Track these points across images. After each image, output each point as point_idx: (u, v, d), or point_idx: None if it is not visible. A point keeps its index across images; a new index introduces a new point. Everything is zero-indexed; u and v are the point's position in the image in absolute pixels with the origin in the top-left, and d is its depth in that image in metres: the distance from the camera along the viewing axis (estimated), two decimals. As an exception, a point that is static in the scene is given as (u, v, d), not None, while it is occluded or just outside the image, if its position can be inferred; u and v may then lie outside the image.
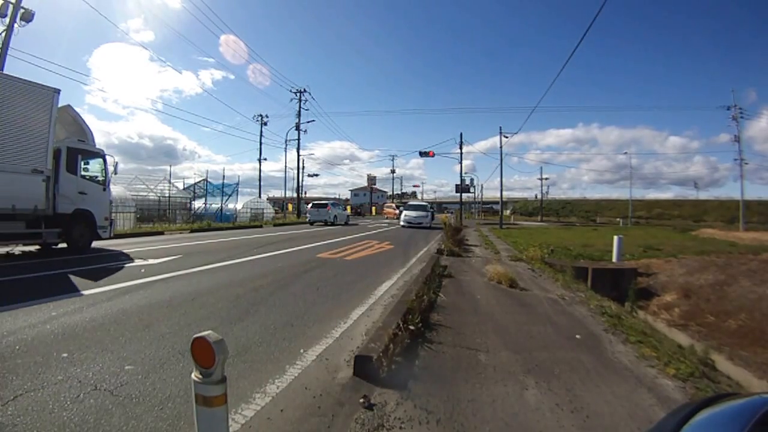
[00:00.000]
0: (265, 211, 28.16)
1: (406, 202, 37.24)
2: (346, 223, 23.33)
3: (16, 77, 7.37)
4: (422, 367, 2.68)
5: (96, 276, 5.44)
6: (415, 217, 21.65)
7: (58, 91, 7.61)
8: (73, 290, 4.63)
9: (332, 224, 21.83)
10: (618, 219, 48.28)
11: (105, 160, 8.92)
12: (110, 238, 9.33)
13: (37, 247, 8.01)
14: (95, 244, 8.71)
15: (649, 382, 2.61)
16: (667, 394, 2.45)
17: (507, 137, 29.44)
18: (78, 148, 8.29)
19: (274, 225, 22.01)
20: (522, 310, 4.48)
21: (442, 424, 1.97)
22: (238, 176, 68.50)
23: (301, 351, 2.91)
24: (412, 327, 3.14)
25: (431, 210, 24.92)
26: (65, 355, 2.62)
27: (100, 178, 8.89)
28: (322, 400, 2.18)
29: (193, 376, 1.11)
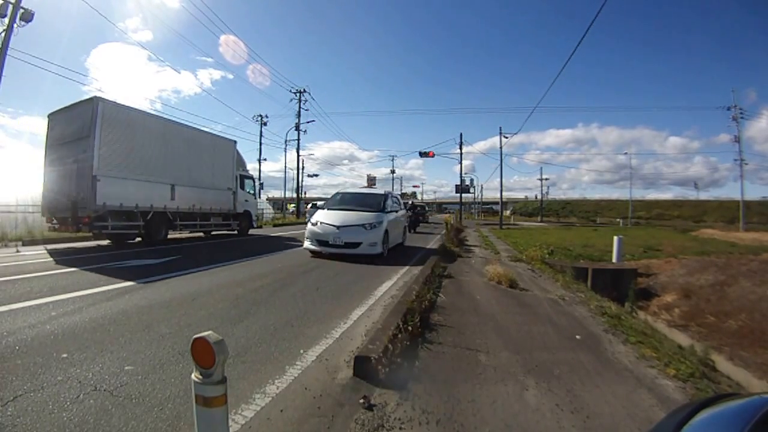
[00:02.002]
0: (264, 211, 28.19)
1: (410, 203, 22.03)
2: None
3: (220, 136, 13.49)
4: (422, 368, 2.68)
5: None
6: (337, 232, 7.84)
7: (236, 142, 13.43)
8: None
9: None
10: (618, 219, 48.34)
11: (254, 181, 15.23)
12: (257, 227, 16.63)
13: (202, 234, 12.61)
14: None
15: (649, 383, 2.60)
16: (667, 394, 2.45)
17: (507, 137, 29.44)
18: (244, 175, 14.08)
19: (274, 225, 21.99)
20: (522, 310, 4.48)
21: (442, 424, 1.97)
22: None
23: (301, 351, 2.91)
24: (411, 327, 3.13)
25: (397, 206, 10.29)
26: (65, 355, 2.62)
27: (252, 192, 14.60)
28: (322, 401, 2.18)
29: (193, 376, 1.11)
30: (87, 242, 9.92)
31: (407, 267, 7.38)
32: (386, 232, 8.30)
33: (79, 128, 8.54)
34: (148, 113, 10.54)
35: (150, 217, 9.61)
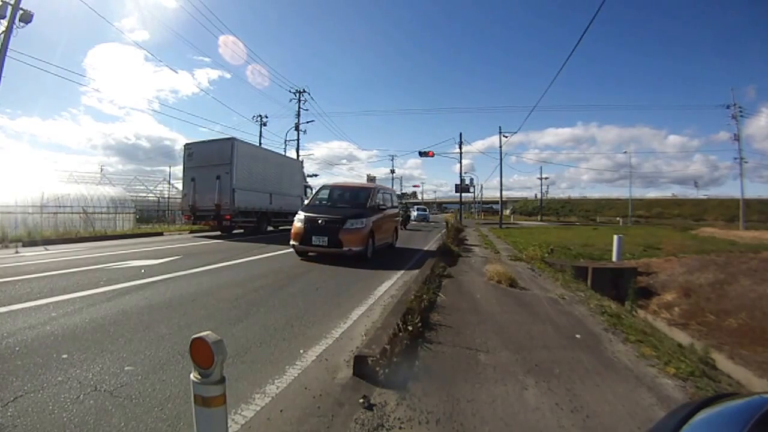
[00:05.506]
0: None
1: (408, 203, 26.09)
2: None
3: (293, 158, 21.18)
4: (422, 367, 2.68)
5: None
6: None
7: (303, 161, 21.40)
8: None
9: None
10: (618, 218, 48.36)
11: (312, 189, 18.33)
12: None
13: (271, 228, 15.53)
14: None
15: (649, 382, 2.60)
16: (667, 393, 2.45)
17: (506, 137, 29.42)
18: (306, 185, 19.00)
19: (274, 225, 22.04)
20: (522, 309, 4.48)
21: (442, 423, 1.97)
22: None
23: (301, 351, 2.91)
24: (411, 327, 3.13)
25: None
26: (65, 356, 2.62)
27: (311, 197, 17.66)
28: (321, 401, 2.18)
29: (191, 376, 1.11)
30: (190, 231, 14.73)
31: (407, 267, 7.38)
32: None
33: (219, 156, 12.68)
34: (257, 146, 16.36)
35: (259, 215, 14.14)
